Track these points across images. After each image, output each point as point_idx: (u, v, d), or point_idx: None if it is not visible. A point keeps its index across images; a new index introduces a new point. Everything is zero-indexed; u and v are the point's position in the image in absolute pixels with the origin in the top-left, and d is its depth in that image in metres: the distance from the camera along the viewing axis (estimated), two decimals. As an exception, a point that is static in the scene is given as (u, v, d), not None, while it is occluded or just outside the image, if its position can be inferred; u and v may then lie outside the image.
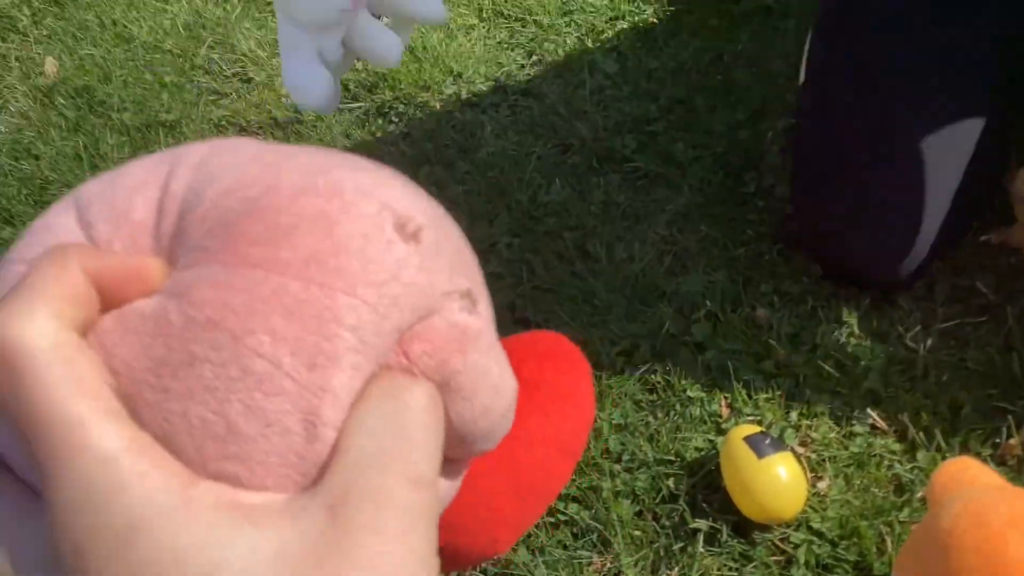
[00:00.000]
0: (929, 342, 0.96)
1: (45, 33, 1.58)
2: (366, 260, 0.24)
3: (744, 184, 1.13)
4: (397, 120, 1.30)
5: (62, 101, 1.45)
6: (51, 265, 0.21)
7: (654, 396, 0.99)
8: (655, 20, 1.28)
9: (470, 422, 0.27)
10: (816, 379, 0.97)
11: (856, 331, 0.99)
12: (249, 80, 1.40)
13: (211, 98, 1.40)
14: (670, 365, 1.00)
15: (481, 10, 1.37)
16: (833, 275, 1.03)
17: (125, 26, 1.51)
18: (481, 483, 0.35)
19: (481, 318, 0.27)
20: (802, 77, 1.09)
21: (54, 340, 0.20)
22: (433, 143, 1.25)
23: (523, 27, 1.34)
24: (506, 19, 1.35)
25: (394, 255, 0.25)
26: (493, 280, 1.13)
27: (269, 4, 1.48)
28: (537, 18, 1.33)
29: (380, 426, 0.22)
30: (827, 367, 0.97)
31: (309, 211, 0.24)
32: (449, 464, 0.27)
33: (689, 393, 0.98)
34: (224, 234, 0.24)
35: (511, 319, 1.08)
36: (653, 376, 1.00)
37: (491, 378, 0.27)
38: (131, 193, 0.25)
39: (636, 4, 1.30)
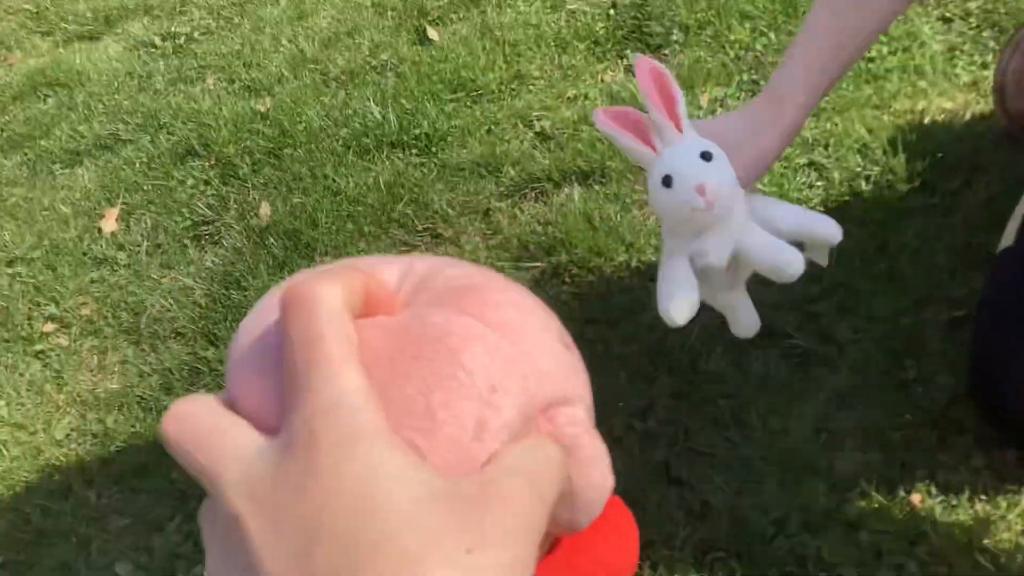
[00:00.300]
0: (1093, 545, 0.95)
1: (262, 181, 1.79)
2: (540, 341, 0.36)
3: (904, 370, 1.15)
4: (570, 281, 1.40)
5: (272, 241, 1.62)
6: (348, 269, 0.32)
7: (804, 569, 1.01)
8: (821, 208, 1.35)
9: (582, 488, 0.36)
10: (970, 570, 0.96)
11: (1013, 526, 0.99)
12: (438, 235, 1.55)
13: (403, 249, 1.55)
14: (821, 540, 1.02)
15: (655, 188, 1.47)
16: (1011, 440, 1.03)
17: (334, 180, 1.70)
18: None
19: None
20: (1005, 243, 1.10)
21: (339, 307, 0.30)
22: (602, 304, 1.34)
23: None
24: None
25: (556, 349, 0.37)
26: (648, 438, 1.18)
27: (462, 169, 1.63)
28: (708, 198, 1.42)
29: (528, 457, 0.31)
30: (982, 559, 0.97)
31: (510, 300, 0.36)
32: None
33: (840, 570, 0.99)
34: (451, 296, 0.35)
35: (666, 478, 1.13)
36: (804, 549, 1.02)
37: (602, 464, 0.37)
38: (382, 264, 0.37)
39: (803, 192, 1.38)
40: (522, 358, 0.34)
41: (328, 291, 0.29)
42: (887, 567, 0.99)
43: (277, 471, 0.28)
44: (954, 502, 1.03)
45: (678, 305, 0.74)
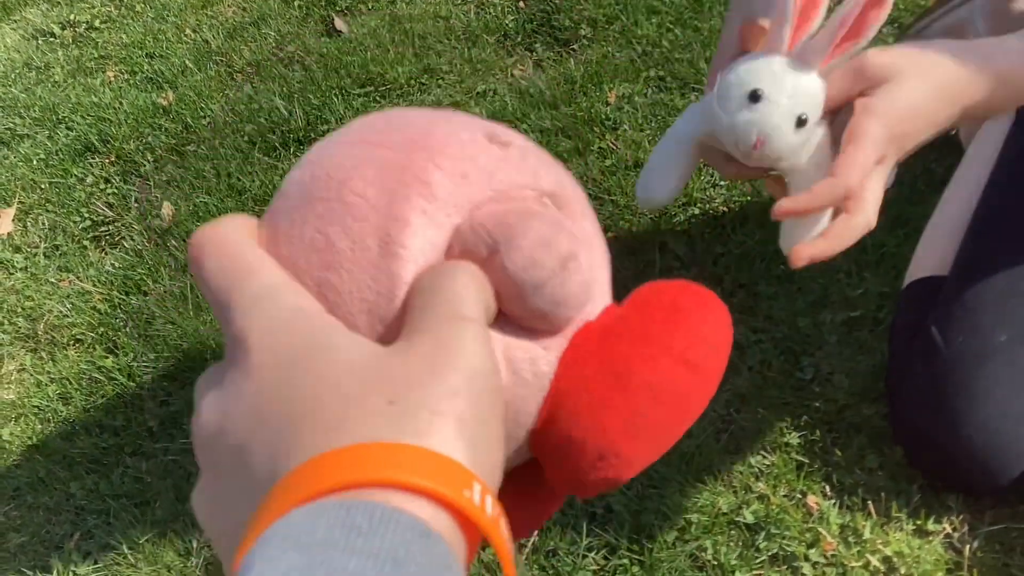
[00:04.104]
0: (975, 544, 0.98)
1: (165, 179, 1.74)
2: (449, 144, 0.35)
3: (802, 370, 1.17)
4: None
5: (174, 243, 1.58)
6: (237, 217, 0.35)
7: (703, 574, 1.02)
8: (724, 208, 1.37)
9: (520, 270, 0.33)
10: (863, 572, 0.99)
11: (904, 527, 1.01)
12: (344, 236, 1.52)
13: (308, 250, 1.52)
14: (721, 544, 1.04)
15: (563, 187, 1.47)
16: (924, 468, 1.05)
17: (239, 179, 1.66)
18: (586, 387, 0.38)
19: (559, 212, 0.38)
20: (916, 273, 1.12)
21: (243, 234, 0.33)
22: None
23: (601, 205, 1.43)
24: (587, 196, 1.45)
25: (477, 146, 0.35)
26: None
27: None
28: (615, 198, 1.42)
29: (434, 282, 0.32)
30: (874, 561, 0.99)
31: (423, 118, 0.36)
32: (532, 330, 0.36)
33: (739, 575, 1.01)
34: (360, 131, 0.36)
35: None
36: (704, 554, 1.03)
37: (544, 234, 0.34)
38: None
39: (707, 192, 1.39)
40: (420, 163, 0.34)
41: (229, 225, 0.33)
42: (785, 569, 1.01)
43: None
44: (849, 503, 1.05)
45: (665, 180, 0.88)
